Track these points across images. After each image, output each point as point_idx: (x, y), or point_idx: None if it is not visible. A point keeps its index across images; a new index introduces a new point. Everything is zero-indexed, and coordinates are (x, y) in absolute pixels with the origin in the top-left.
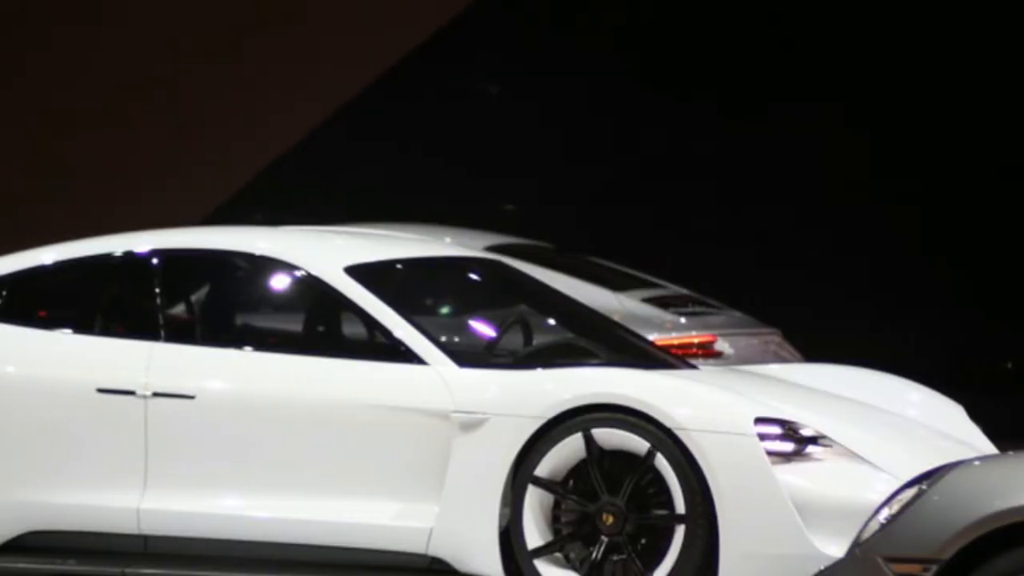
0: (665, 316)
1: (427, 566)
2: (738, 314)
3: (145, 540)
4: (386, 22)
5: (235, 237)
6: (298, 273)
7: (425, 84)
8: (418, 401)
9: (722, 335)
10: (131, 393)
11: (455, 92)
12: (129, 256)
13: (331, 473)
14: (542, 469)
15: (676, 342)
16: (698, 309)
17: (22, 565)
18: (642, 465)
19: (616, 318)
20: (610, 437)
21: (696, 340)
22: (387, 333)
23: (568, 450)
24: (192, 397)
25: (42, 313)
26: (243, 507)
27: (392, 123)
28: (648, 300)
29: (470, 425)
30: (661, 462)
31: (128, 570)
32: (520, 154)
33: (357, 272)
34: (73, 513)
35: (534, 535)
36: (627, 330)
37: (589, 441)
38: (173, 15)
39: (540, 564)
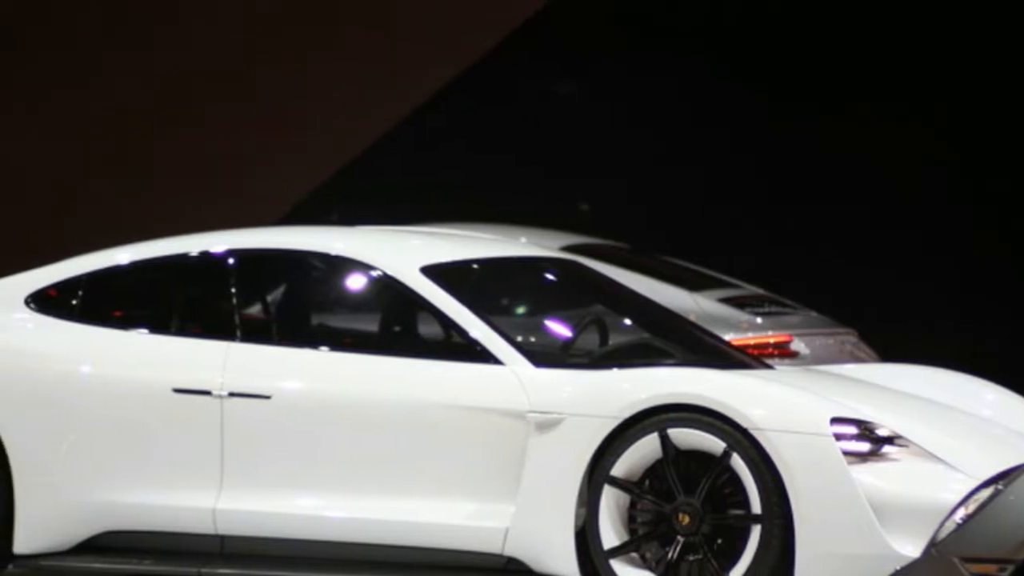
0: (741, 316)
1: (503, 566)
2: (814, 314)
3: (222, 540)
4: (464, 22)
5: (311, 237)
6: (374, 273)
7: (502, 84)
8: (494, 401)
9: (798, 335)
10: (207, 393)
11: (531, 92)
12: (205, 256)
13: (407, 473)
14: (618, 469)
15: (752, 342)
16: (774, 309)
17: (99, 565)
18: (718, 465)
19: (692, 318)
20: (686, 437)
21: (772, 340)
22: (463, 333)
23: (644, 450)
24: (268, 397)
25: (118, 313)
26: (319, 507)
27: (469, 123)
28: (724, 300)
29: (546, 425)
30: (737, 462)
31: (204, 570)
32: (599, 154)
33: (433, 272)
34: (149, 513)
35: (610, 535)
36: (703, 330)
37: (665, 441)
38: (252, 15)
39: (616, 564)
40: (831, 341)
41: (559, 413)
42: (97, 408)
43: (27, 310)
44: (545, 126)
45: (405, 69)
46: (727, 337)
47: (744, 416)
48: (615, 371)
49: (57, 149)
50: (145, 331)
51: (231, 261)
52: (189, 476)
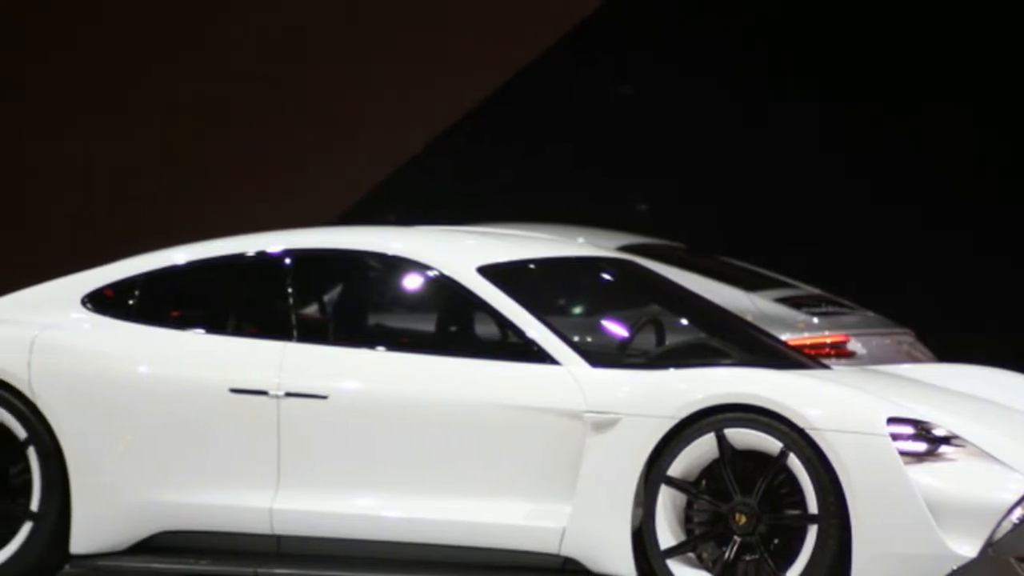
0: (798, 316)
1: (560, 566)
2: (871, 314)
3: (278, 540)
4: (519, 22)
5: (368, 237)
6: (431, 273)
7: (557, 84)
8: (551, 401)
9: (855, 335)
10: (264, 393)
11: (587, 92)
12: (262, 256)
13: (463, 473)
14: (675, 469)
15: (809, 342)
16: (831, 309)
17: (155, 565)
18: (775, 465)
19: (748, 318)
20: (743, 437)
21: (829, 340)
22: (520, 333)
23: (701, 450)
24: (325, 397)
25: (175, 313)
26: (375, 507)
27: (526, 123)
28: (781, 300)
29: (603, 425)
30: (794, 462)
31: (261, 570)
32: (655, 154)
33: (490, 272)
34: (205, 513)
35: (667, 535)
36: (760, 330)
37: (722, 441)
38: (305, 14)
39: (673, 564)
40: (888, 341)
41: (616, 413)
42: (154, 408)
43: (84, 310)
44: (601, 126)
45: (461, 69)
46: (784, 337)
47: (801, 416)
48: (672, 371)
49: (113, 149)
50: (201, 331)
51: (288, 261)
52: (246, 476)
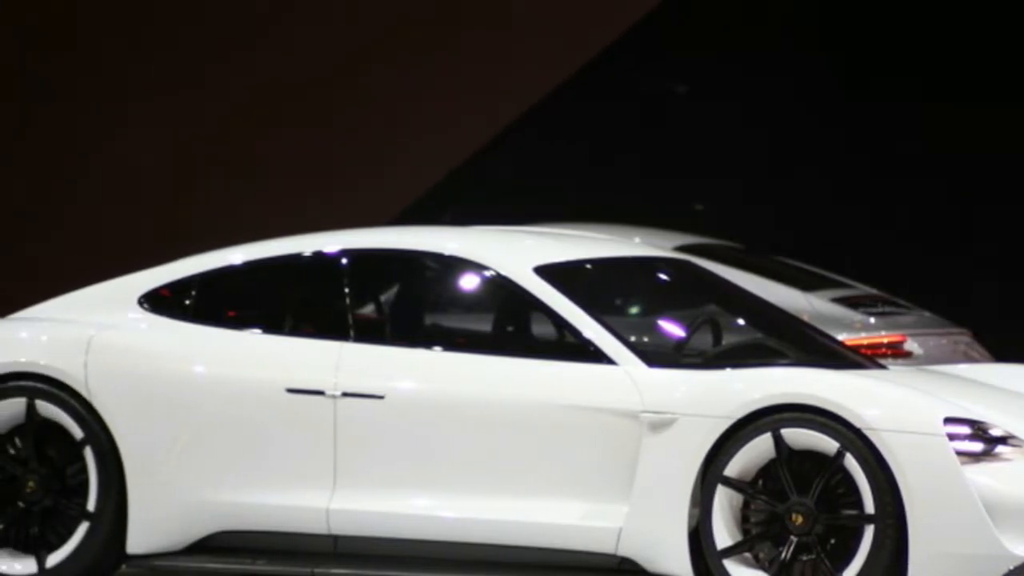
0: (854, 316)
1: (616, 566)
2: (927, 314)
3: (335, 540)
4: (578, 22)
5: (425, 237)
6: (487, 273)
7: (617, 84)
8: (607, 401)
9: (911, 335)
10: (320, 393)
11: (646, 92)
12: (319, 256)
13: (520, 473)
14: (731, 469)
15: (865, 342)
16: (887, 309)
17: (212, 565)
18: (831, 465)
19: (805, 318)
20: (799, 437)
21: (885, 340)
22: (576, 333)
23: (757, 450)
24: (381, 397)
25: (232, 313)
26: (432, 507)
27: (583, 123)
28: (837, 300)
29: (659, 425)
30: (850, 462)
31: (318, 570)
32: (714, 154)
33: (547, 272)
34: (262, 513)
35: (723, 535)
36: (816, 330)
37: (778, 441)
38: (369, 14)
39: (729, 564)
40: (944, 341)
41: (672, 413)
42: (210, 408)
43: (141, 310)
44: (660, 126)
45: (519, 69)
46: (840, 337)
47: (857, 416)
48: (728, 371)
49: (170, 149)
50: (258, 331)
51: (344, 261)
52: (302, 476)
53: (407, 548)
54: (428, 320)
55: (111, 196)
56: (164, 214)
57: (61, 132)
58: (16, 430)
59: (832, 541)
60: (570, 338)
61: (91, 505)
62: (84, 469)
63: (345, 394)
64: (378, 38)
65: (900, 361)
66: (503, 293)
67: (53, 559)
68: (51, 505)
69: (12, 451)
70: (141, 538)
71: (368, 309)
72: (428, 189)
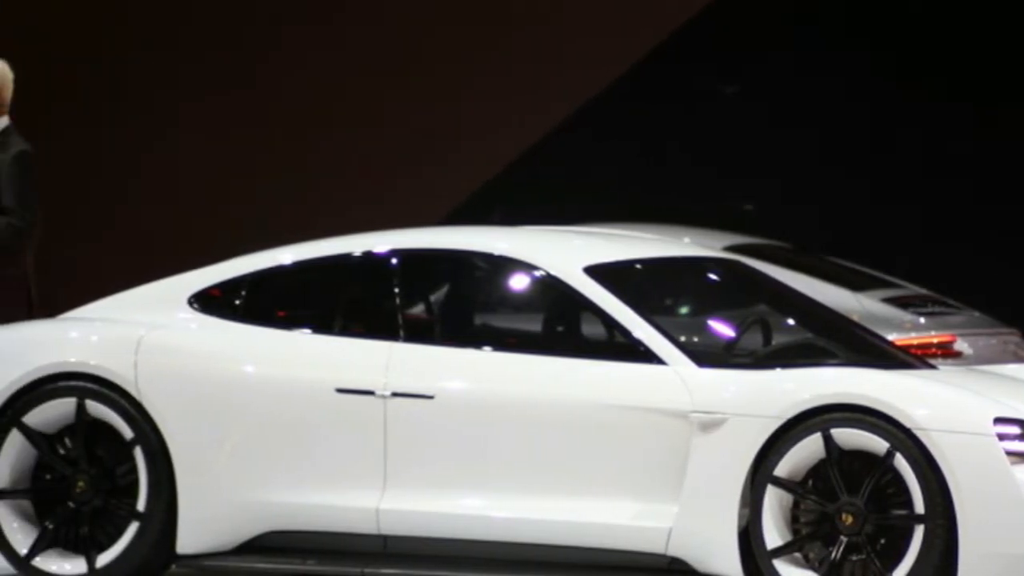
0: (904, 316)
1: (666, 566)
2: (977, 314)
3: (385, 540)
4: (628, 21)
5: (474, 237)
6: (537, 273)
7: (666, 83)
8: (657, 401)
9: (961, 335)
10: (370, 393)
11: (695, 92)
12: (369, 256)
13: (570, 473)
14: (781, 469)
15: (915, 342)
16: (937, 309)
17: (262, 565)
18: (881, 465)
19: (855, 318)
20: (849, 437)
21: (935, 340)
22: (626, 333)
23: (807, 450)
24: (431, 397)
25: (281, 313)
26: (482, 507)
27: (633, 123)
28: (887, 300)
29: (709, 425)
30: (900, 462)
31: (368, 570)
32: (763, 154)
33: (596, 272)
34: (312, 513)
35: (773, 535)
36: (866, 330)
37: (828, 441)
38: (416, 14)
39: (779, 564)
40: (994, 341)
41: (723, 413)
42: (260, 408)
43: (190, 310)
44: (710, 125)
45: (569, 69)
46: (890, 337)
47: (907, 416)
48: (778, 371)
49: (219, 149)
50: (308, 331)
51: (394, 261)
52: (352, 476)
53: (457, 548)
54: (478, 320)
55: (160, 196)
56: (213, 214)
57: (110, 132)
58: (66, 430)
59: (882, 541)
60: (620, 338)
61: (141, 505)
62: (134, 469)
63: (395, 394)
64: (428, 37)
65: (950, 361)
66: (553, 293)
67: (103, 559)
68: (101, 505)
69: (62, 451)
70: (191, 538)
71: (418, 309)
72: (477, 189)
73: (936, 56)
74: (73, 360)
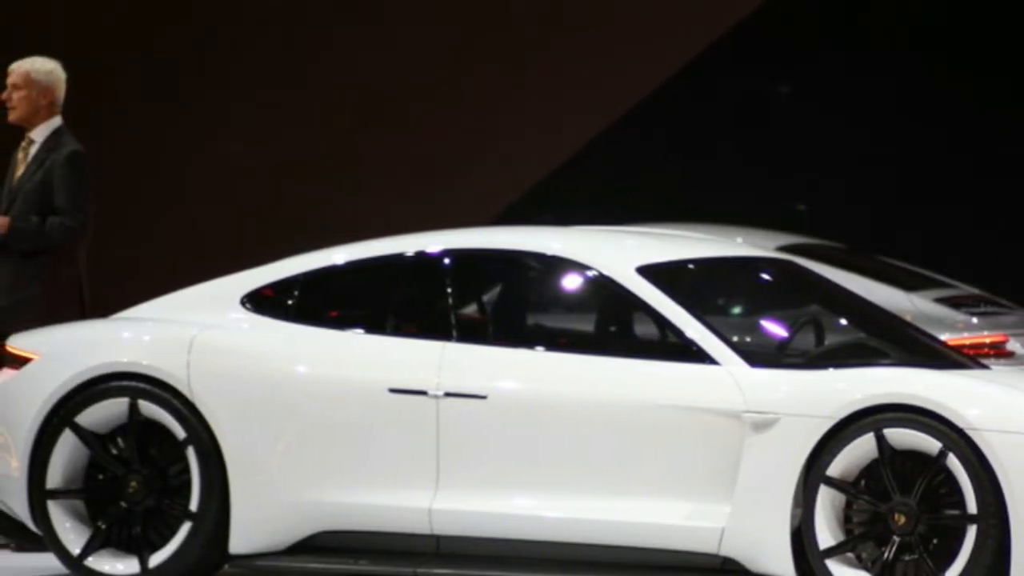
0: (957, 316)
1: (719, 566)
2: None
3: (437, 540)
4: (679, 21)
5: (527, 237)
6: (590, 273)
7: (719, 83)
8: (710, 401)
9: (1014, 335)
10: (423, 393)
11: (749, 92)
12: (421, 256)
13: (622, 473)
14: (834, 469)
15: (968, 342)
16: (990, 309)
17: (314, 565)
18: (934, 465)
19: (908, 318)
20: (902, 437)
21: (988, 340)
22: (679, 333)
23: (860, 450)
24: (484, 397)
25: (334, 313)
26: (535, 507)
27: (686, 123)
28: (940, 300)
29: (762, 425)
30: (953, 462)
31: (420, 570)
32: (817, 154)
33: (649, 272)
34: (364, 513)
35: (826, 535)
36: (919, 330)
37: (881, 441)
38: (470, 14)
39: (832, 564)
40: None
41: (775, 413)
42: (313, 408)
43: (243, 310)
44: (762, 126)
45: (620, 69)
46: (943, 337)
47: (960, 416)
48: (830, 371)
49: (271, 149)
50: (360, 331)
51: (447, 261)
52: (404, 476)
53: (509, 548)
54: (530, 320)
55: (212, 196)
56: (264, 214)
57: (162, 131)
58: (119, 430)
59: (934, 541)
60: (672, 338)
61: (194, 505)
62: (186, 469)
63: (448, 394)
64: (479, 38)
65: (1002, 361)
66: (605, 293)
67: (156, 559)
68: (153, 505)
69: (114, 451)
70: (243, 538)
71: (470, 309)
72: (528, 190)
73: (990, 57)
74: (126, 360)
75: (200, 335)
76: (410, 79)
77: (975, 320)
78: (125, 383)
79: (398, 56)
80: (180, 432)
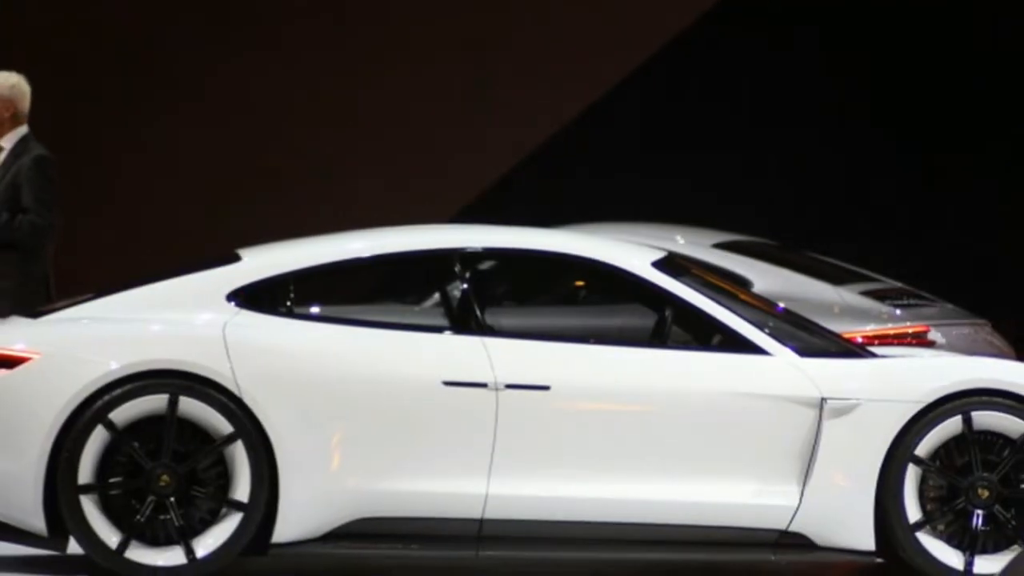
0: (882, 308)
1: (775, 540)
2: (950, 306)
3: (480, 524)
4: (637, 19)
5: (556, 239)
6: (621, 273)
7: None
8: (783, 389)
9: (935, 325)
10: (483, 386)
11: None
12: (457, 252)
13: (689, 457)
14: (920, 449)
15: (892, 332)
16: (912, 301)
17: (357, 551)
18: (1021, 444)
19: (836, 310)
20: (987, 419)
21: (911, 330)
22: (725, 327)
23: (944, 432)
24: (547, 388)
25: (374, 308)
26: (594, 490)
27: (649, 120)
28: (866, 293)
29: (842, 411)
30: None
31: (482, 552)
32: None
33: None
34: (413, 500)
35: (914, 510)
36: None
37: (968, 423)
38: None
39: (921, 536)
40: (966, 331)
41: (856, 399)
42: (360, 400)
43: (235, 305)
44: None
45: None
46: (868, 327)
47: None
48: (900, 359)
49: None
50: (405, 326)
51: (482, 259)
52: (458, 464)
53: (557, 531)
54: (566, 316)
55: (176, 193)
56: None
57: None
58: (145, 425)
59: (1012, 512)
60: (718, 332)
61: (244, 496)
62: (233, 462)
63: (508, 386)
64: (436, 37)
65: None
66: (633, 290)
67: (202, 549)
68: (189, 498)
69: (138, 445)
70: (289, 527)
71: (507, 305)
72: (481, 191)
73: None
74: (166, 357)
75: (236, 332)
76: (367, 77)
77: (899, 312)
78: (166, 380)
79: (351, 55)
80: (227, 427)
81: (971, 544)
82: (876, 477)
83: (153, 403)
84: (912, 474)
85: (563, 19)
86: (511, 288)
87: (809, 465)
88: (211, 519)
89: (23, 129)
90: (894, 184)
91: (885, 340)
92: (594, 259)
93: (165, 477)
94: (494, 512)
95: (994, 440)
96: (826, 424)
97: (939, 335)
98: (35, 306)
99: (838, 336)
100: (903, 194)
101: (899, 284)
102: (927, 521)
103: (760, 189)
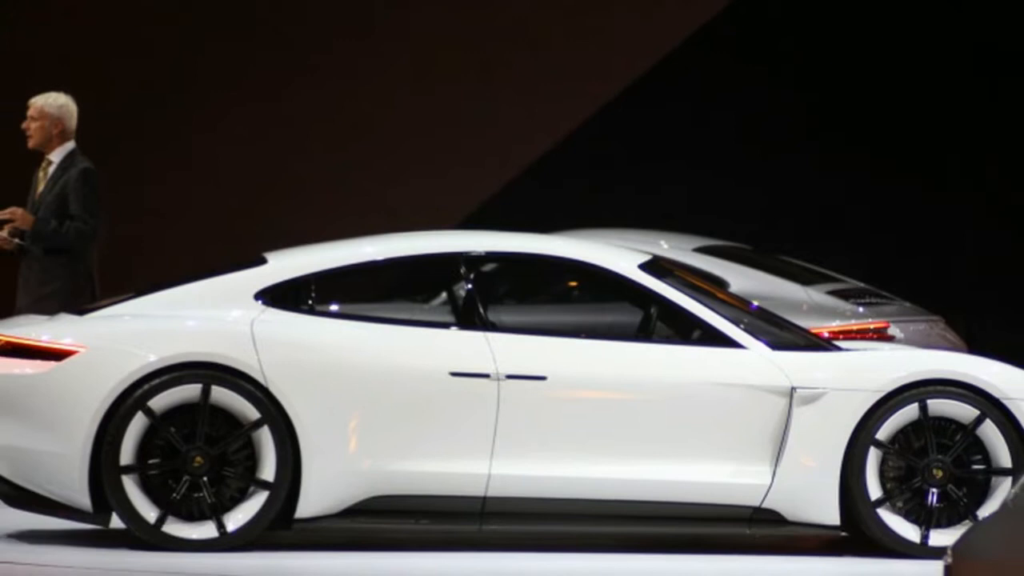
0: (846, 306)
1: (749, 516)
2: (907, 304)
3: (483, 501)
4: (629, 39)
5: (554, 244)
6: (610, 274)
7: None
8: (757, 379)
9: (894, 321)
10: (486, 376)
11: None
12: (464, 256)
13: (671, 440)
14: (881, 433)
15: (855, 328)
16: (873, 300)
17: (375, 525)
18: (972, 428)
19: (804, 308)
20: (941, 407)
21: (872, 326)
22: (703, 323)
23: (902, 418)
24: (544, 378)
25: (388, 305)
26: (586, 470)
27: (641, 134)
28: (831, 292)
29: (810, 399)
30: (988, 426)
31: (486, 527)
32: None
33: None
34: (423, 478)
35: (875, 488)
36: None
37: (924, 410)
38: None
39: (881, 512)
40: (922, 327)
41: (823, 389)
42: (380, 390)
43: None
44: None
45: (570, 91)
46: (834, 324)
47: (995, 388)
48: (860, 353)
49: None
50: (415, 322)
51: (488, 262)
52: (464, 446)
53: (555, 507)
54: (558, 314)
55: (196, 200)
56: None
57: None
58: (179, 411)
59: (964, 490)
60: (696, 327)
61: (270, 476)
62: (260, 445)
63: (509, 376)
64: (440, 55)
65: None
66: (621, 289)
67: (232, 524)
68: (231, 476)
69: (174, 430)
70: (310, 504)
71: (507, 303)
72: (487, 198)
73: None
74: (199, 351)
75: (263, 327)
76: (383, 98)
77: (861, 309)
78: (198, 371)
79: (368, 80)
80: (254, 413)
81: (927, 519)
82: (841, 459)
83: (188, 392)
84: (873, 456)
85: (559, 46)
86: (511, 288)
87: (780, 448)
88: (240, 497)
89: (70, 144)
90: (864, 194)
91: (849, 335)
92: (586, 262)
93: (199, 459)
94: (496, 490)
95: (947, 425)
96: (796, 411)
97: (898, 330)
98: (81, 305)
99: (806, 331)
100: (875, 202)
101: (861, 284)
102: (887, 498)
103: (737, 199)
